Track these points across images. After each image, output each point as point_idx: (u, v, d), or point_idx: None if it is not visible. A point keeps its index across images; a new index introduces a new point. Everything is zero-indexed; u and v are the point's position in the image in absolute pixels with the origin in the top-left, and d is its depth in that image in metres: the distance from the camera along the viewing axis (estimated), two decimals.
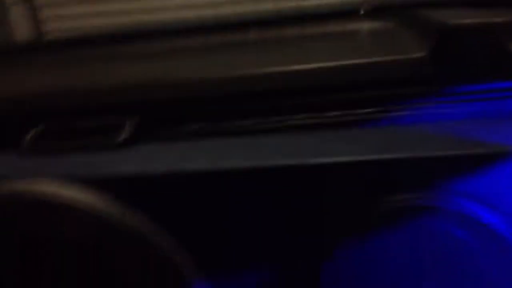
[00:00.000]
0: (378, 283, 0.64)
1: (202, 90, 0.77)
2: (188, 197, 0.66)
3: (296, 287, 0.69)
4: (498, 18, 0.71)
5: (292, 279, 0.69)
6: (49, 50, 1.18)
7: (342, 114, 0.73)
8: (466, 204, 0.60)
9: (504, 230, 0.61)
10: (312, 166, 0.64)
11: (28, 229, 0.64)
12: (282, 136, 0.72)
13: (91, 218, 0.63)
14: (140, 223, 0.65)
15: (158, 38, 1.04)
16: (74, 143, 0.74)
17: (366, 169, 0.63)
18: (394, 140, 0.67)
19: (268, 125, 0.74)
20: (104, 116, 0.76)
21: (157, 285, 0.65)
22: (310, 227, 0.66)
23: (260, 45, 0.93)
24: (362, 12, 1.02)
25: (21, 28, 1.73)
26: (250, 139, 0.72)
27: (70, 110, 0.77)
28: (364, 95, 0.74)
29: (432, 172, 0.62)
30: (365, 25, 1.00)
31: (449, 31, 0.73)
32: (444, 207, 0.60)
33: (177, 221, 0.67)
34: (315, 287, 0.67)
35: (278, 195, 0.66)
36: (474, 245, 0.61)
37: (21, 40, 1.71)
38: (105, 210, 0.64)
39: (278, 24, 1.05)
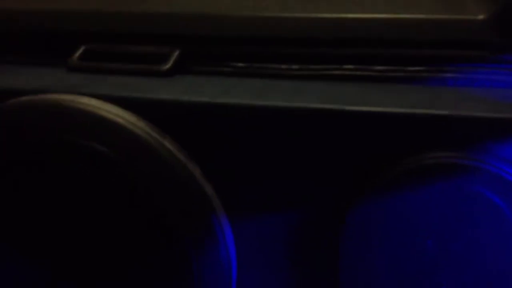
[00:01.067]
0: (403, 239, 0.63)
1: (251, 29, 0.76)
2: (225, 131, 0.66)
3: (317, 238, 0.69)
4: None
5: (313, 231, 0.69)
6: None
7: (390, 69, 0.71)
8: (505, 168, 0.58)
9: None
10: (351, 113, 0.62)
11: (68, 138, 0.66)
12: (326, 84, 0.71)
13: (130, 136, 0.64)
14: (176, 150, 0.66)
15: None
16: (120, 66, 0.75)
17: (406, 123, 0.62)
18: (440, 98, 0.65)
19: (313, 72, 0.73)
20: (151, 43, 0.76)
21: (183, 211, 0.66)
22: (340, 175, 0.66)
23: None
24: None
25: None
26: (294, 83, 0.72)
27: (119, 33, 0.78)
28: (416, 53, 0.72)
29: (473, 132, 0.60)
30: None
31: None
32: (482, 168, 0.59)
33: (209, 153, 0.67)
34: (336, 239, 0.66)
35: (313, 140, 0.65)
36: (508, 211, 0.59)
37: None
38: (144, 131, 0.64)
39: None
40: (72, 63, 0.75)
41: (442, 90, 0.67)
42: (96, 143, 0.64)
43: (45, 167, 0.68)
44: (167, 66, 0.73)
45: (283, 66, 0.74)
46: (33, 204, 0.71)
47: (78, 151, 0.65)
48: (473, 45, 0.70)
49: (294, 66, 0.74)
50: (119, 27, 0.79)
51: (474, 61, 0.70)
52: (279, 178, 0.67)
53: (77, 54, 0.76)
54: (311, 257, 0.70)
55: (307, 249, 0.70)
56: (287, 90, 0.69)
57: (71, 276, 0.73)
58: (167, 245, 0.68)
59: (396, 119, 0.61)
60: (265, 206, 0.69)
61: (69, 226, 0.71)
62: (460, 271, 0.63)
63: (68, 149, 0.65)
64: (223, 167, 0.68)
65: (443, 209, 0.61)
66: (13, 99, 0.68)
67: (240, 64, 0.75)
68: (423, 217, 0.62)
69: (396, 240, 0.63)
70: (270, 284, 0.73)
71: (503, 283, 0.62)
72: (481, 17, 0.70)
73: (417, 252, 0.63)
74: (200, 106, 0.66)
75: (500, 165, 0.58)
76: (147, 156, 0.64)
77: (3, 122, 0.67)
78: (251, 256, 0.72)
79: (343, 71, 0.73)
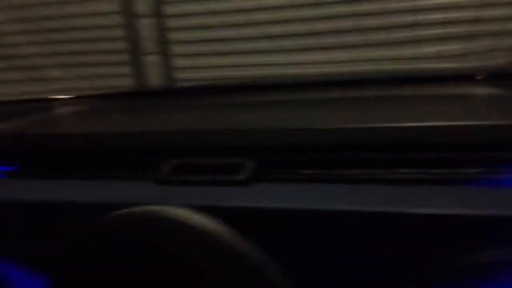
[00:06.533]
0: None
1: (318, 140, 0.84)
2: (304, 234, 0.73)
3: None
4: None
5: None
6: (181, 95, 1.32)
7: (447, 172, 0.77)
8: None
9: None
10: (413, 215, 0.68)
11: (159, 247, 0.74)
12: (387, 187, 0.77)
13: (215, 243, 0.71)
14: (256, 255, 0.72)
15: (283, 90, 1.14)
16: (203, 178, 0.84)
17: (464, 224, 0.66)
18: (499, 198, 0.69)
19: (374, 176, 0.80)
20: (229, 156, 0.86)
21: None
22: (403, 276, 0.70)
23: (376, 102, 0.99)
24: (478, 77, 1.05)
25: (155, 75, 1.95)
26: (358, 187, 0.78)
27: (201, 149, 0.88)
28: (474, 156, 0.77)
29: None
30: (482, 90, 1.03)
31: None
32: None
33: (290, 256, 0.73)
34: None
35: (380, 241, 0.70)
36: None
37: (155, 86, 1.92)
38: (227, 238, 0.72)
39: (395, 83, 1.11)
40: (161, 177, 0.85)
41: (499, 191, 0.72)
42: (187, 249, 0.72)
43: (142, 268, 0.76)
44: (245, 176, 0.82)
45: (346, 172, 0.81)
46: None
47: (171, 258, 0.73)
48: None
49: (356, 171, 0.81)
50: (200, 143, 0.89)
51: None
52: (356, 278, 0.72)
53: (166, 169, 0.86)
54: None
55: None
56: (351, 194, 0.76)
57: None
58: None
59: (462, 220, 0.66)
60: None
61: None
62: None
63: (162, 254, 0.73)
64: (305, 270, 0.73)
65: None
66: (112, 211, 0.77)
67: (308, 171, 0.83)
68: None
69: None
70: None
71: None
72: None
73: None
74: (278, 212, 0.73)
75: None
76: (233, 262, 0.71)
77: (110, 231, 0.77)
78: None
79: (402, 175, 0.79)
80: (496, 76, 1.05)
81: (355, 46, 1.61)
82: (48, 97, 1.31)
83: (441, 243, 0.68)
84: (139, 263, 0.75)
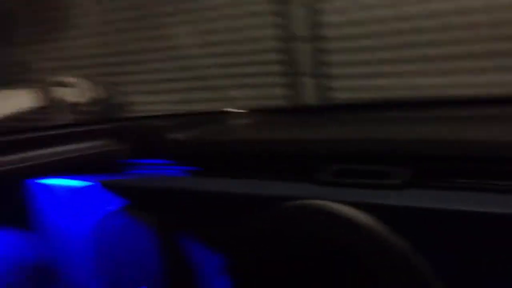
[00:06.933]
0: None
1: (470, 151, 0.91)
2: (453, 236, 0.80)
3: None
4: None
5: None
6: (336, 111, 1.45)
7: None
8: None
9: None
10: None
11: (318, 236, 0.86)
12: None
13: (371, 236, 0.82)
14: (410, 251, 0.81)
15: (435, 107, 1.22)
16: (362, 181, 0.94)
17: None
18: None
19: None
20: (385, 163, 0.95)
21: None
22: None
23: None
24: None
25: (310, 96, 2.09)
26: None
27: (360, 155, 0.99)
28: None
29: None
30: None
31: None
32: None
33: (439, 255, 0.81)
34: None
35: None
36: None
37: (309, 104, 2.06)
38: (381, 233, 0.82)
39: None
40: (325, 179, 0.97)
41: None
42: (345, 240, 0.83)
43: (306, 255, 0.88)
44: (400, 181, 0.91)
45: (501, 183, 0.87)
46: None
47: (333, 246, 0.84)
48: None
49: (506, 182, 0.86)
50: (360, 150, 1.00)
51: None
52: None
53: (329, 172, 0.97)
54: None
55: None
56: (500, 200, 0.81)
57: None
58: None
59: None
60: None
61: None
62: None
63: (325, 242, 0.85)
64: (452, 268, 0.81)
65: None
66: (280, 203, 0.91)
67: (460, 180, 0.90)
68: None
69: None
70: None
71: None
72: None
73: None
74: (430, 212, 0.81)
75: None
76: (390, 256, 0.81)
77: (282, 220, 0.91)
78: None
79: None
80: None
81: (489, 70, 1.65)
82: (221, 110, 1.51)
83: None
84: (306, 246, 0.88)
